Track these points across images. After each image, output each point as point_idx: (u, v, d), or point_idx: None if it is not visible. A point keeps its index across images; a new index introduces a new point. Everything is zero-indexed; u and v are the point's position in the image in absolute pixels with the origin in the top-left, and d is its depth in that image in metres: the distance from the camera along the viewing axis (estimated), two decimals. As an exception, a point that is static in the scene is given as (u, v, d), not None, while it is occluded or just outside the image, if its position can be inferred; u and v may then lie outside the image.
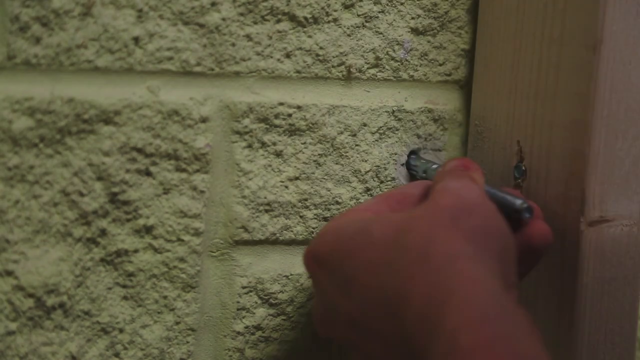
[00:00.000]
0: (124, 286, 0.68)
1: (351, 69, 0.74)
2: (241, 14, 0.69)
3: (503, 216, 0.66)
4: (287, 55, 0.71)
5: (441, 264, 0.57)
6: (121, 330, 0.68)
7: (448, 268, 0.57)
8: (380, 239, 0.61)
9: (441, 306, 0.55)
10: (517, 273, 0.61)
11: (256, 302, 0.73)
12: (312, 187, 0.73)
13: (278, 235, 0.73)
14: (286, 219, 0.73)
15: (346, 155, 0.74)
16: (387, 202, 0.68)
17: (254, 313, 0.73)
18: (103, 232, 0.67)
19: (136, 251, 0.68)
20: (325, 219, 0.74)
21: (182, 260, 0.70)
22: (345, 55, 0.73)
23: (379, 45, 0.74)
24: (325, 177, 0.74)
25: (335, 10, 0.72)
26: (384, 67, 0.75)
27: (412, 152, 0.76)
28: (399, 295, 0.58)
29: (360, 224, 0.64)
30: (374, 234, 0.62)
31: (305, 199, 0.73)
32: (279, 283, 0.73)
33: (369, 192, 0.75)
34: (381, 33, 0.74)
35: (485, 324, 0.53)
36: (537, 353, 0.53)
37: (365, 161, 0.75)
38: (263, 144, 0.71)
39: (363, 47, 0.74)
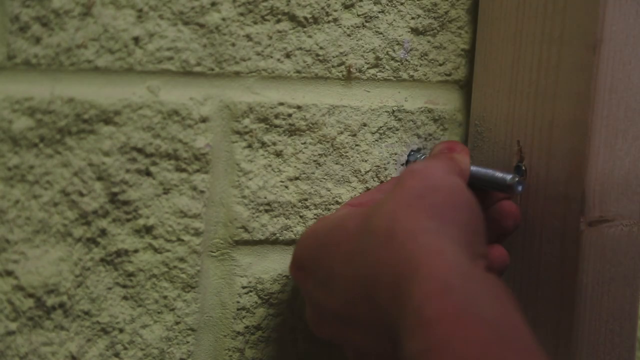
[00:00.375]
0: (124, 286, 0.68)
1: (351, 69, 0.74)
2: (241, 14, 0.69)
3: (493, 193, 0.69)
4: (287, 55, 0.71)
5: (405, 241, 0.59)
6: (121, 330, 0.68)
7: (412, 244, 0.58)
8: (353, 229, 0.63)
9: (408, 282, 0.56)
10: (486, 242, 0.62)
11: (256, 302, 0.73)
12: (312, 187, 0.73)
13: (278, 235, 0.73)
14: (286, 219, 0.73)
15: (346, 155, 0.74)
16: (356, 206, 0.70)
17: (254, 313, 0.73)
18: (103, 232, 0.67)
19: (136, 251, 0.68)
20: (325, 219, 0.74)
21: (182, 260, 0.70)
22: (345, 55, 0.73)
23: (379, 45, 0.74)
24: (325, 177, 0.74)
25: (335, 10, 0.72)
26: (384, 67, 0.75)
27: (412, 152, 0.77)
28: (371, 279, 0.60)
29: (335, 221, 0.66)
30: (347, 227, 0.64)
31: (305, 199, 0.73)
32: (279, 283, 0.73)
33: (369, 192, 0.75)
34: (381, 33, 0.74)
35: (449, 294, 0.54)
36: (504, 318, 0.54)
37: (365, 161, 0.75)
38: (263, 144, 0.71)
39: (363, 47, 0.74)
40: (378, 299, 0.59)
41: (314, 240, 0.67)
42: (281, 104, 0.72)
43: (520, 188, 0.68)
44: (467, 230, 0.61)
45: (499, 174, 0.69)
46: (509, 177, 0.68)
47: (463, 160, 0.69)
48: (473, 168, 0.70)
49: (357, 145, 0.74)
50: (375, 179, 0.75)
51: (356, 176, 0.75)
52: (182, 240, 0.69)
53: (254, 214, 0.72)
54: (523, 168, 0.71)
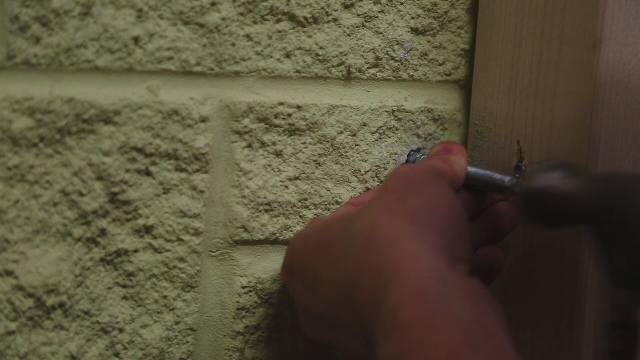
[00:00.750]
0: (124, 286, 0.68)
1: (351, 69, 0.74)
2: (241, 14, 0.69)
3: (491, 194, 0.69)
4: (287, 55, 0.71)
5: (384, 246, 0.59)
6: (121, 330, 0.68)
7: (390, 250, 0.59)
8: (337, 234, 0.63)
9: (384, 287, 0.56)
10: (470, 246, 0.62)
11: (256, 302, 0.73)
12: (312, 187, 0.73)
13: (278, 235, 0.73)
14: (286, 219, 0.73)
15: (346, 155, 0.74)
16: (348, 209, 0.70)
17: (254, 313, 0.73)
18: (103, 232, 0.67)
19: (136, 251, 0.68)
20: (325, 219, 0.74)
21: (182, 260, 0.70)
22: (345, 55, 0.73)
23: (379, 45, 0.74)
24: (325, 177, 0.74)
25: (335, 10, 0.72)
26: (384, 67, 0.75)
27: (412, 152, 0.77)
28: (352, 283, 0.60)
29: (323, 225, 0.66)
30: (333, 231, 0.64)
31: (305, 199, 0.73)
32: (279, 283, 0.73)
33: (369, 192, 0.75)
34: (381, 33, 0.74)
35: (423, 299, 0.54)
36: (478, 322, 0.54)
37: (365, 161, 0.75)
38: (263, 144, 0.71)
39: (363, 47, 0.74)
40: (358, 303, 0.59)
41: (302, 244, 0.67)
42: (281, 104, 0.72)
43: (518, 190, 0.68)
44: (447, 234, 0.60)
45: (497, 176, 0.69)
46: (507, 179, 0.68)
47: (458, 162, 0.69)
48: (471, 169, 0.69)
49: (357, 145, 0.74)
50: (375, 179, 0.75)
51: (356, 176, 0.75)
52: (182, 240, 0.70)
53: (254, 214, 0.72)
54: (523, 168, 0.71)
